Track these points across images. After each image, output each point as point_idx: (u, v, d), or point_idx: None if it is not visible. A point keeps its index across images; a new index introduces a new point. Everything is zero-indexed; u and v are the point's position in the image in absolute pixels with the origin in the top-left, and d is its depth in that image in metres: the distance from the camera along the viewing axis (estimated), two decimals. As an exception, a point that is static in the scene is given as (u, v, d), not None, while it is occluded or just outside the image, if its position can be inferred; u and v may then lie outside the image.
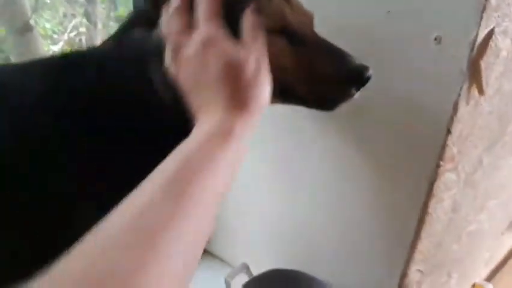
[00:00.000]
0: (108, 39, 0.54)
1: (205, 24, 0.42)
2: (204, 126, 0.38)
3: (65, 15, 2.20)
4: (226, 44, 0.41)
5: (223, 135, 0.37)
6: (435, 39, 0.58)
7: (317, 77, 0.50)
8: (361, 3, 0.63)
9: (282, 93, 0.50)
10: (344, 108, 0.52)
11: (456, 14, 0.55)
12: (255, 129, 0.41)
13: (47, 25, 2.11)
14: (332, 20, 0.65)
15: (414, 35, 0.60)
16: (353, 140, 0.72)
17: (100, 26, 2.27)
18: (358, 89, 0.50)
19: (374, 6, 0.62)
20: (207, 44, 0.41)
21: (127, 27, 0.52)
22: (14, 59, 1.59)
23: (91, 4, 2.22)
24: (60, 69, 0.51)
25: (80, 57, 0.53)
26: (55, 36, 2.11)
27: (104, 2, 2.31)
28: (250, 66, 0.41)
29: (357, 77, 0.50)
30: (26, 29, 1.38)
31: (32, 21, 1.40)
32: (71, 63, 0.52)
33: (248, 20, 0.44)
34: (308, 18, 0.53)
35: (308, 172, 0.80)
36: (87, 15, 2.23)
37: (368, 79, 0.49)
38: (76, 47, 2.10)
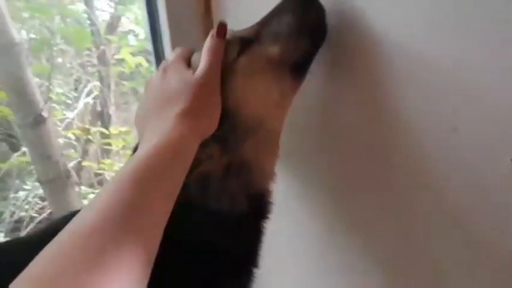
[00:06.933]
0: None
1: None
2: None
3: (78, 80, 2.19)
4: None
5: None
6: (512, 160, 0.55)
7: (291, 33, 0.55)
8: (424, 117, 0.60)
9: (297, 68, 0.56)
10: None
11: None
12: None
13: (60, 90, 2.09)
14: (393, 137, 0.62)
15: (485, 156, 0.56)
16: None
17: (113, 86, 2.26)
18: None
19: (437, 122, 0.59)
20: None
21: None
22: (26, 149, 1.50)
23: (102, 64, 2.21)
24: None
25: None
26: (69, 102, 2.09)
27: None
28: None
29: None
30: (38, 122, 1.26)
31: (44, 113, 1.29)
32: None
33: (207, 44, 0.52)
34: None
35: None
36: (100, 78, 2.21)
37: None
38: (91, 112, 2.09)
